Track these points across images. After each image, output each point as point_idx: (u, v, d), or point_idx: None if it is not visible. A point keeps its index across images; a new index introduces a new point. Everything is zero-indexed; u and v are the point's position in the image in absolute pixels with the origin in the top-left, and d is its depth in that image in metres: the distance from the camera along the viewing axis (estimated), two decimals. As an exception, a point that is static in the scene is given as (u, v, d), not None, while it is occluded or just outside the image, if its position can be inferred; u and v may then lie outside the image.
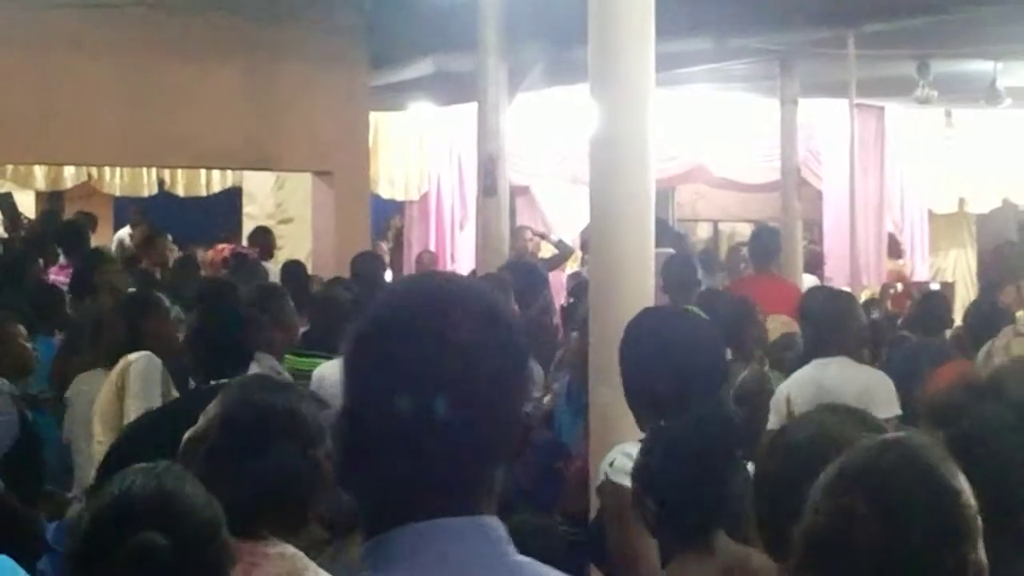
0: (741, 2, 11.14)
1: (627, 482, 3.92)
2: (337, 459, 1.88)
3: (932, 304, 9.75)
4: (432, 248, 17.17)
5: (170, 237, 13.57)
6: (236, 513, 2.95)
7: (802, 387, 6.78)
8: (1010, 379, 3.23)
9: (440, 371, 1.79)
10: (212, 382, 5.12)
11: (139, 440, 5.02)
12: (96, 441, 6.38)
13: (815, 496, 2.44)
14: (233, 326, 5.65)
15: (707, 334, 4.47)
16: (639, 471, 3.68)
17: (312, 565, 3.10)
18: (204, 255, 14.49)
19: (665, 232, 9.99)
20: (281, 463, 3.04)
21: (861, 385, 6.74)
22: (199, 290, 8.92)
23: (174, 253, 13.41)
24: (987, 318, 8.25)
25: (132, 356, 6.39)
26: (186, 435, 3.25)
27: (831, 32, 11.51)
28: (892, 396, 6.81)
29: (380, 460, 1.80)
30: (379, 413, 1.80)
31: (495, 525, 1.83)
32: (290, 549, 3.03)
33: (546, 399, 7.09)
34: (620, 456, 4.16)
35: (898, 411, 6.65)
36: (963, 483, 2.37)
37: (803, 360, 7.46)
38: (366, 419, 1.81)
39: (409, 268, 15.97)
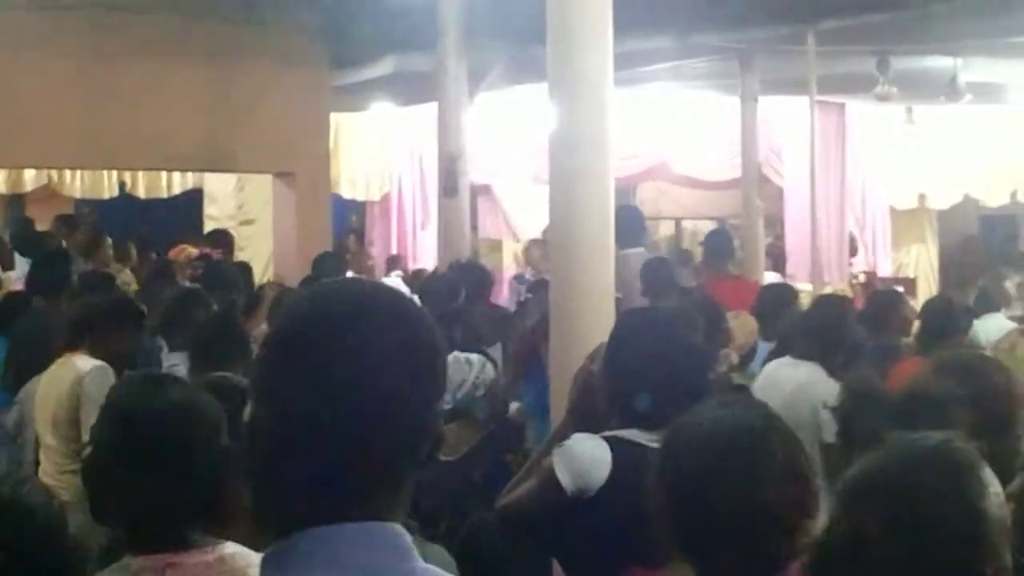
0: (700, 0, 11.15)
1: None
2: (245, 461, 1.84)
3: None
4: (394, 248, 17.16)
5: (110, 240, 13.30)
6: (160, 523, 2.84)
7: (775, 385, 6.70)
8: None
9: (346, 373, 1.77)
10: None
11: None
12: (45, 446, 6.38)
13: (838, 504, 2.39)
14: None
15: (691, 337, 4.25)
16: None
17: (256, 559, 2.95)
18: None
19: (636, 231, 9.92)
20: (183, 461, 2.82)
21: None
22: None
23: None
24: (945, 316, 8.23)
25: (82, 366, 6.32)
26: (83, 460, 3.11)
27: (791, 29, 11.52)
28: None
29: (286, 463, 1.78)
30: (284, 415, 1.78)
31: (400, 532, 1.80)
32: (229, 548, 2.86)
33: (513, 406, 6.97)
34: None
35: None
36: (991, 500, 2.31)
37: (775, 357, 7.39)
38: (272, 421, 1.79)
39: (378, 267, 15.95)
